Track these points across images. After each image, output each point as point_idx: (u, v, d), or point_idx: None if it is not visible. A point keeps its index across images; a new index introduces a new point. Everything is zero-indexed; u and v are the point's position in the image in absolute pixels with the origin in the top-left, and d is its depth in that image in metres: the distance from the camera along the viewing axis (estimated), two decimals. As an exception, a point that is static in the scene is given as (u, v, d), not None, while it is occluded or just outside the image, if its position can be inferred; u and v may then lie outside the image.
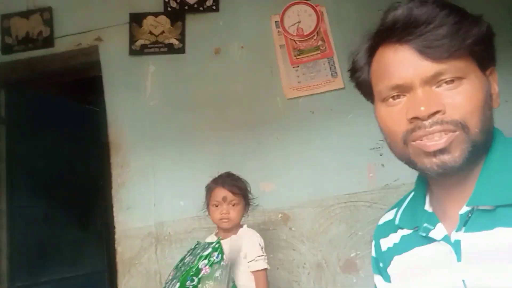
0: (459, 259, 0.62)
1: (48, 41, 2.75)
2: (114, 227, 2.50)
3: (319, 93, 2.34)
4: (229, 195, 1.67)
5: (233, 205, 1.66)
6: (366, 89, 0.73)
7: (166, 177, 2.47)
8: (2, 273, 2.86)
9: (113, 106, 2.64)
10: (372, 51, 0.70)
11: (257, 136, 2.39)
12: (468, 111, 0.61)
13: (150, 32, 2.63)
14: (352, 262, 2.16)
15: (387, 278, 0.80)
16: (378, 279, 0.84)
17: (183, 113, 2.52)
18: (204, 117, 2.50)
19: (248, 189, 1.77)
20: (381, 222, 0.85)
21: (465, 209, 0.63)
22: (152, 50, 2.62)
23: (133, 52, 2.61)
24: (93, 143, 3.72)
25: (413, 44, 0.62)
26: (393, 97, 0.66)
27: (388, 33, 0.65)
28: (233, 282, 1.51)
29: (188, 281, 1.48)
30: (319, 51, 2.39)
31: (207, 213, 1.73)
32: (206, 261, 1.51)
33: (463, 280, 0.61)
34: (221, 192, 1.67)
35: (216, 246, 1.56)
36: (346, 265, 2.17)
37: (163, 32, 2.62)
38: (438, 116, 0.61)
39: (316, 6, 2.42)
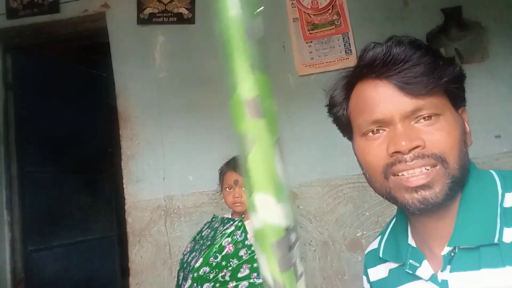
0: None
1: (54, 7, 2.66)
2: (124, 198, 2.54)
3: (332, 71, 2.28)
4: (241, 179, 1.67)
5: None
6: (343, 124, 0.74)
7: (175, 151, 2.47)
8: (15, 237, 2.94)
9: (122, 76, 2.60)
10: (350, 87, 0.72)
11: (267, 113, 2.36)
12: (447, 146, 0.62)
13: (159, 0, 2.54)
14: (358, 241, 2.20)
15: None
16: None
17: (193, 86, 2.48)
18: (213, 91, 2.44)
19: None
20: (367, 250, 0.85)
21: (447, 249, 0.64)
22: (160, 19, 2.53)
23: (141, 21, 2.54)
24: (100, 109, 3.70)
25: (392, 80, 0.64)
26: (372, 131, 0.67)
27: (368, 69, 0.67)
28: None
29: (212, 258, 1.47)
30: (333, 26, 2.31)
31: (221, 196, 1.73)
32: (229, 239, 1.49)
33: None
34: (232, 176, 1.67)
35: (239, 224, 1.52)
36: (351, 244, 2.21)
37: (172, 0, 2.53)
38: (418, 150, 0.62)
39: (332, -22, 2.32)
